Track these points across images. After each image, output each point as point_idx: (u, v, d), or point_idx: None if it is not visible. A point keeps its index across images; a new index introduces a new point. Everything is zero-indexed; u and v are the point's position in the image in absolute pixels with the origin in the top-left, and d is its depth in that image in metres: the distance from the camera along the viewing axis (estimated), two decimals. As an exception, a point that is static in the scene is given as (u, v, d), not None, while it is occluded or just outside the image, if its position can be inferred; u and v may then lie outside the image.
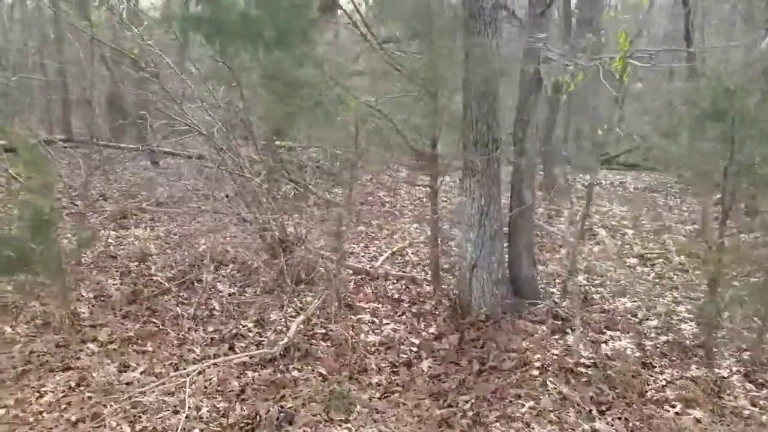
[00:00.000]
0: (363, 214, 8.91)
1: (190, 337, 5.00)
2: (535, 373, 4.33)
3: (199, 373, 4.29)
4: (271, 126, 5.77)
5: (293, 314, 5.39)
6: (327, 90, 4.45)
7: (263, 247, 5.99)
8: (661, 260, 7.22)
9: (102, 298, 5.79)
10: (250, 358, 4.51)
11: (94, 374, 4.37)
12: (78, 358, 4.65)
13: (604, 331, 5.07)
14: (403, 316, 5.37)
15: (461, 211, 5.18)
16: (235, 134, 5.64)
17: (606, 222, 9.06)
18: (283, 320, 5.22)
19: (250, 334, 5.03)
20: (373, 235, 8.21)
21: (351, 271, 6.36)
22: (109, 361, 4.60)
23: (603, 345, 4.82)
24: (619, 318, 5.29)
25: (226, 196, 9.74)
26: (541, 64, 4.68)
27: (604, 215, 9.49)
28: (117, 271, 6.48)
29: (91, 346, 4.85)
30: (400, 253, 7.31)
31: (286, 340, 4.58)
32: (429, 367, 4.52)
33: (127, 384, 4.30)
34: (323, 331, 5.03)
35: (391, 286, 6.04)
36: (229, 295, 5.93)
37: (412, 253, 7.41)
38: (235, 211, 5.90)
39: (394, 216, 9.29)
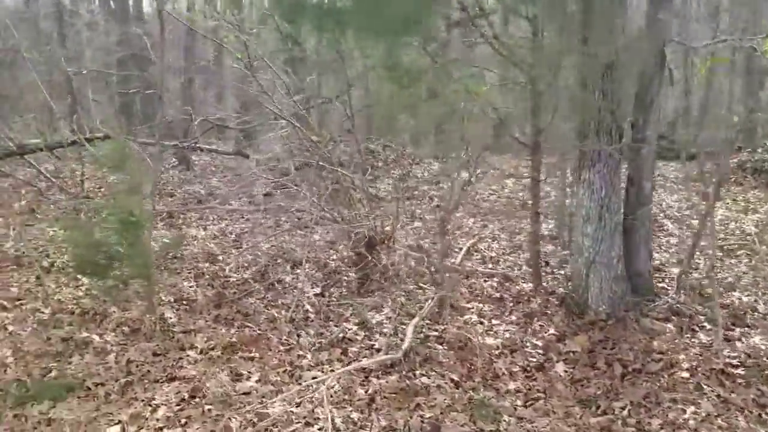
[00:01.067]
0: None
1: (294, 342, 4.67)
2: (686, 375, 4.03)
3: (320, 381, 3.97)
4: (381, 119, 5.41)
5: (391, 315, 5.09)
6: (446, 79, 4.14)
7: (350, 246, 5.67)
8: (743, 251, 6.95)
9: (184, 302, 5.45)
10: (370, 363, 4.19)
11: (207, 384, 4.04)
12: (181, 367, 4.31)
13: (732, 327, 4.79)
14: (512, 316, 5.07)
15: (579, 204, 4.88)
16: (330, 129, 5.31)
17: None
18: (387, 322, 4.91)
19: (358, 338, 4.71)
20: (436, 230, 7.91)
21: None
22: (217, 369, 4.26)
23: (738, 343, 4.54)
24: (741, 313, 5.00)
25: (265, 195, 9.47)
26: (669, 43, 4.38)
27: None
28: (189, 273, 6.14)
29: (190, 353, 4.52)
30: (474, 249, 7.01)
31: (406, 344, 4.25)
32: (564, 371, 4.21)
33: (245, 394, 3.97)
34: (436, 333, 4.72)
35: (485, 284, 5.74)
36: (315, 295, 5.61)
37: (485, 249, 7.12)
38: (319, 208, 5.55)
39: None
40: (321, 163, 5.15)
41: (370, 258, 5.45)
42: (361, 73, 4.55)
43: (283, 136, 6.18)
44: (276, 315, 5.07)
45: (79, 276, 6.00)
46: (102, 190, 9.92)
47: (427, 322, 4.88)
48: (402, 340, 4.50)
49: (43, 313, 5.23)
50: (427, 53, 4.13)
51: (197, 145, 9.79)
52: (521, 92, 4.90)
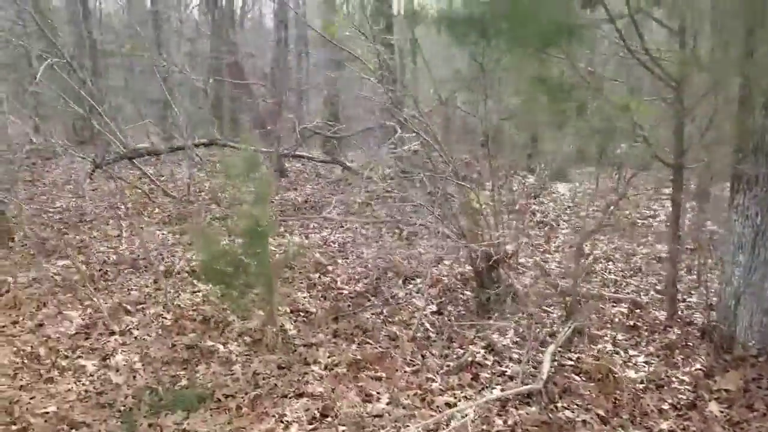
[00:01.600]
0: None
1: (420, 362, 4.50)
2: None
3: (460, 411, 3.78)
4: (526, 134, 5.20)
5: (517, 339, 4.85)
6: (598, 94, 3.89)
7: (468, 262, 5.47)
8: None
9: (300, 314, 5.39)
10: (510, 394, 3.97)
11: (338, 403, 3.92)
12: (307, 383, 4.22)
13: None
14: (650, 347, 4.73)
15: (730, 230, 4.51)
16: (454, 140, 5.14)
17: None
18: (514, 347, 4.68)
19: (487, 363, 4.49)
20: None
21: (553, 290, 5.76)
22: (344, 387, 4.15)
23: None
24: None
25: (364, 204, 9.38)
26: None
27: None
28: (301, 283, 6.10)
29: (315, 368, 4.42)
30: (591, 270, 6.66)
31: (545, 373, 4.01)
32: (720, 411, 3.86)
33: (377, 416, 3.82)
34: (571, 362, 4.45)
35: (614, 310, 5.41)
36: (432, 313, 5.44)
37: (602, 270, 6.77)
38: (436, 221, 5.38)
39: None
40: (449, 177, 4.98)
41: (491, 276, 5.24)
42: (499, 87, 4.33)
43: (396, 144, 6.05)
44: (397, 333, 4.91)
45: (195, 282, 6.07)
46: (201, 194, 10.13)
47: (558, 348, 4.61)
48: (535, 367, 4.26)
49: (165, 318, 5.27)
50: (576, 66, 3.90)
51: (298, 153, 9.87)
52: (667, 108, 4.58)
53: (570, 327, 4.46)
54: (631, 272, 6.64)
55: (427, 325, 5.12)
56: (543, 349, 4.46)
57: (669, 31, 4.71)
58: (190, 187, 9.48)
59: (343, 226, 8.55)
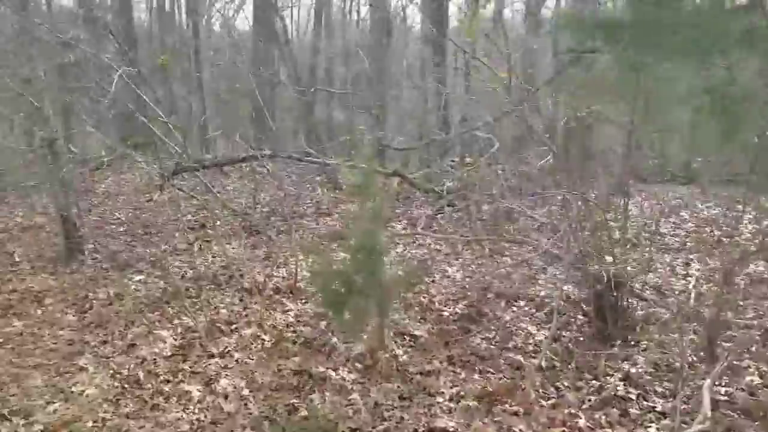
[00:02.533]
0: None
1: (554, 395, 4.13)
2: None
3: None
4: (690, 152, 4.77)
5: (651, 370, 4.46)
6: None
7: (585, 283, 5.10)
8: None
9: (406, 337, 5.05)
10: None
11: (479, 442, 3.56)
12: (435, 416, 3.87)
13: None
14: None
15: None
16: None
17: None
18: (650, 377, 4.29)
19: (631, 397, 4.10)
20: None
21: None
22: (481, 423, 3.79)
23: None
24: None
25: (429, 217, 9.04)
26: None
27: None
28: (400, 304, 5.75)
29: (439, 400, 4.07)
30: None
31: (707, 411, 3.61)
32: None
33: (525, 458, 3.47)
34: (723, 398, 4.04)
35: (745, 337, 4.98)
36: (545, 338, 5.06)
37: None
38: (553, 239, 5.02)
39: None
40: (574, 192, 4.62)
41: (613, 300, 4.86)
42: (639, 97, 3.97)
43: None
44: (522, 361, 4.55)
45: (284, 300, 5.78)
46: (265, 207, 9.84)
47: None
48: (686, 403, 3.87)
49: (263, 340, 4.96)
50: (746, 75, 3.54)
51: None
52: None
53: (726, 360, 4.06)
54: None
55: (547, 352, 4.75)
56: (690, 383, 4.07)
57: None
58: (256, 200, 9.19)
59: (414, 242, 8.20)
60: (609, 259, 4.89)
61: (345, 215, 9.98)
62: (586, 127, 4.30)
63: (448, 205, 9.25)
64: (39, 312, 5.55)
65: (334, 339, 4.88)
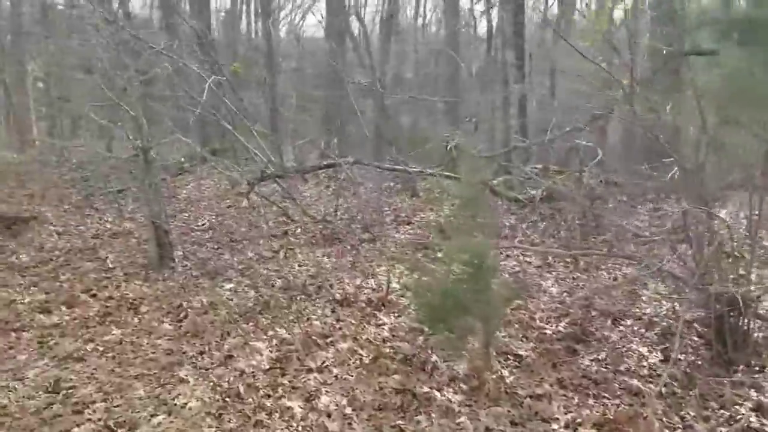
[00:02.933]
0: None
1: (678, 424, 3.82)
2: None
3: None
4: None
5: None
6: None
7: (703, 303, 4.74)
8: None
9: (509, 357, 4.81)
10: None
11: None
12: (552, 445, 3.63)
13: None
14: None
15: None
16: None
17: None
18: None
19: (766, 428, 3.75)
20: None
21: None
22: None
23: None
24: None
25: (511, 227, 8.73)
26: None
27: None
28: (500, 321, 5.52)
29: (555, 427, 3.83)
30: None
31: None
32: None
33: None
34: None
35: None
36: (661, 362, 4.73)
37: None
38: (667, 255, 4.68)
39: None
40: (701, 208, 4.29)
41: (734, 322, 4.49)
42: None
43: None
44: (640, 386, 4.24)
45: (376, 313, 5.64)
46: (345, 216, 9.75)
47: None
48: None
49: (360, 355, 4.83)
50: None
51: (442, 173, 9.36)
52: None
53: None
54: None
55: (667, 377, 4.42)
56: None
57: None
58: (337, 208, 9.12)
59: (502, 253, 7.92)
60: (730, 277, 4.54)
61: (425, 224, 9.84)
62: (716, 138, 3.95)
63: (537, 216, 8.94)
64: (136, 320, 5.59)
65: (434, 356, 4.69)
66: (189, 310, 5.75)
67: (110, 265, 7.30)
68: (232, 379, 4.49)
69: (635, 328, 5.26)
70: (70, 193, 11.18)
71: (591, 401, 4.11)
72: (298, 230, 9.04)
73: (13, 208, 9.67)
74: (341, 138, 11.38)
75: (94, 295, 6.18)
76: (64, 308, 5.86)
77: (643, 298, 5.99)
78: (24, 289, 6.43)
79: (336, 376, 4.51)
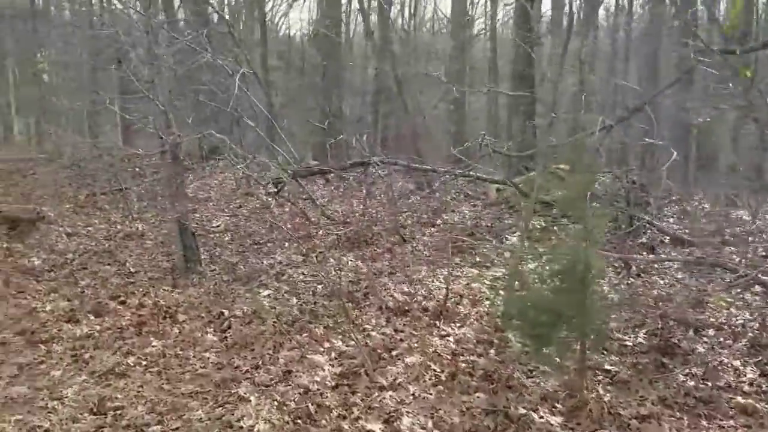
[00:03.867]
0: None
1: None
2: None
3: None
4: None
5: None
6: None
7: None
8: None
9: (596, 372, 4.41)
10: None
11: None
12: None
13: None
14: None
15: None
16: None
17: None
18: None
19: None
20: None
21: None
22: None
23: None
24: None
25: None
26: None
27: None
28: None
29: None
30: None
31: None
32: None
33: None
34: None
35: None
36: (761, 376, 4.39)
37: None
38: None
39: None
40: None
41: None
42: None
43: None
44: (755, 405, 3.89)
45: (437, 323, 5.23)
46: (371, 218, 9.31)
47: None
48: None
49: (434, 370, 4.41)
50: None
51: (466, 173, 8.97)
52: None
53: None
54: None
55: (746, 388, 4.10)
56: None
57: None
58: (366, 211, 8.68)
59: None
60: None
61: (449, 226, 9.40)
62: None
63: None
64: (176, 330, 5.12)
65: (517, 373, 4.30)
66: (231, 319, 5.29)
67: (131, 269, 6.81)
68: (297, 397, 4.05)
69: (721, 339, 4.91)
70: (69, 193, 10.61)
71: (704, 422, 3.75)
72: (320, 232, 8.59)
73: (14, 208, 9.07)
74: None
75: (123, 302, 5.70)
76: (92, 317, 5.38)
77: (710, 306, 5.66)
78: (43, 295, 5.93)
79: (413, 395, 4.08)
